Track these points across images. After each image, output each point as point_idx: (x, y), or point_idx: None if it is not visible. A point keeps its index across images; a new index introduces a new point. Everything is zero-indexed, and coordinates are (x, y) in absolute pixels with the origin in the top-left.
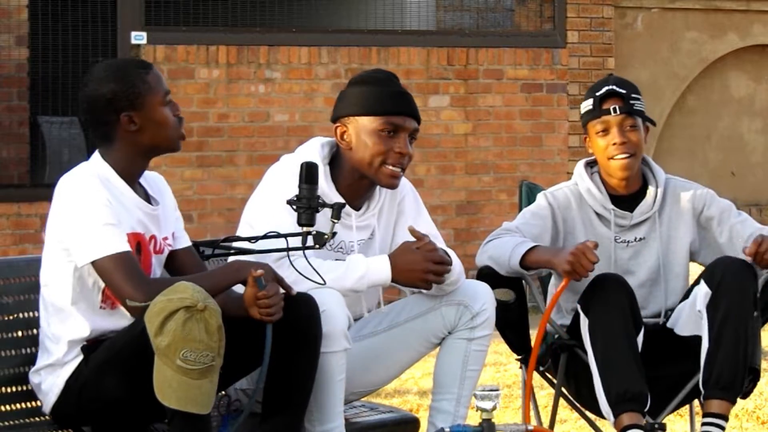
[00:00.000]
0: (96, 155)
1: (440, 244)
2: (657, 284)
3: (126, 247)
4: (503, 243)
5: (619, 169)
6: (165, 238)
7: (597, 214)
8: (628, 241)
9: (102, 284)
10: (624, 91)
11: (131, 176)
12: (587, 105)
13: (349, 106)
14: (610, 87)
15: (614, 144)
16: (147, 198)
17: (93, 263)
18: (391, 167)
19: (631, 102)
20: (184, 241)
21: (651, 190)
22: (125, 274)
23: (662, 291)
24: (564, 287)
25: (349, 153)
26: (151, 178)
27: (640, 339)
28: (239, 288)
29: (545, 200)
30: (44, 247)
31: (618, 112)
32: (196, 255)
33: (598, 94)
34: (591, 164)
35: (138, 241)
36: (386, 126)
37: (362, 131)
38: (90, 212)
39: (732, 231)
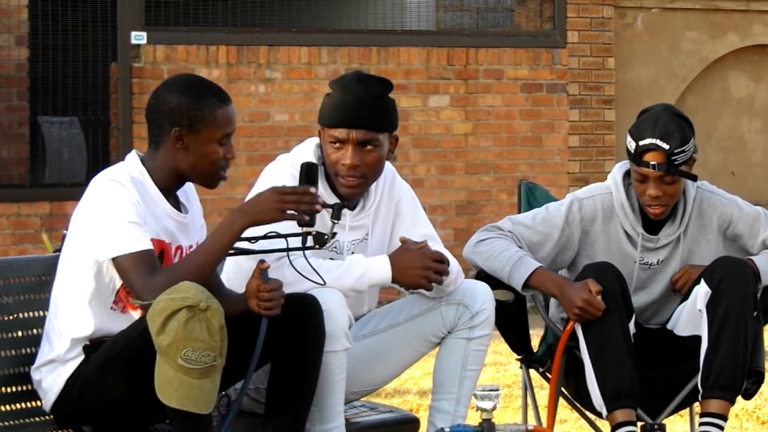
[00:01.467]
0: (133, 155)
1: (438, 245)
2: (669, 300)
3: (148, 245)
4: (499, 252)
5: (650, 214)
6: (191, 246)
7: (626, 232)
8: (651, 263)
9: (117, 285)
10: (668, 147)
11: (166, 189)
12: (630, 144)
13: (318, 115)
14: (654, 141)
15: (649, 195)
16: (178, 206)
17: (113, 260)
18: (341, 177)
19: (674, 158)
20: None
21: (679, 211)
22: (141, 273)
23: (673, 306)
24: (572, 328)
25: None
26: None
27: (631, 326)
28: (239, 288)
29: (567, 209)
30: (65, 239)
31: (656, 170)
32: None
33: (641, 143)
34: (630, 172)
35: (162, 249)
36: (331, 138)
37: (323, 141)
38: (116, 208)
39: (764, 245)
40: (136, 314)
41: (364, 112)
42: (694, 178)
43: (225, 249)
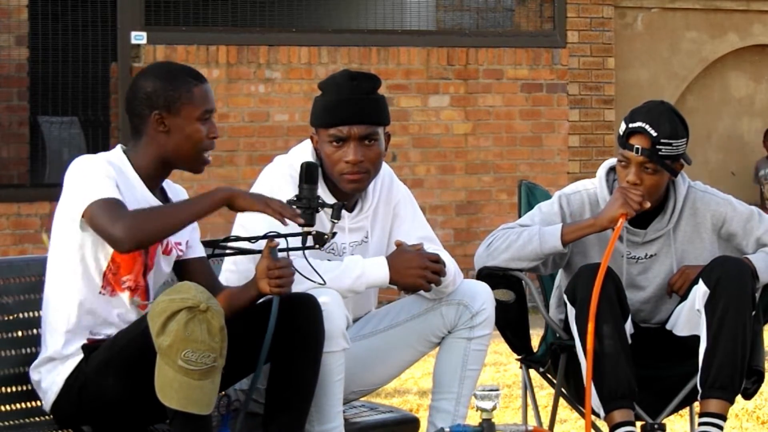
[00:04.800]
0: (117, 148)
1: (437, 247)
2: (665, 299)
3: (119, 196)
4: (516, 237)
5: None
6: (177, 243)
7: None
8: (638, 258)
9: (103, 266)
10: (655, 134)
11: (150, 178)
12: (621, 127)
13: (312, 118)
14: (642, 125)
15: (628, 181)
16: (162, 196)
17: (86, 213)
18: (346, 173)
19: (658, 147)
20: (199, 251)
21: (669, 207)
22: (112, 217)
23: (670, 306)
24: (619, 229)
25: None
26: (173, 186)
27: (628, 326)
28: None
29: (558, 205)
30: (52, 230)
31: (639, 153)
32: (208, 266)
33: (630, 125)
34: (615, 168)
35: None
36: (331, 138)
37: (321, 141)
38: (89, 175)
39: (758, 243)
40: (124, 295)
41: (362, 107)
42: (675, 174)
43: (199, 213)
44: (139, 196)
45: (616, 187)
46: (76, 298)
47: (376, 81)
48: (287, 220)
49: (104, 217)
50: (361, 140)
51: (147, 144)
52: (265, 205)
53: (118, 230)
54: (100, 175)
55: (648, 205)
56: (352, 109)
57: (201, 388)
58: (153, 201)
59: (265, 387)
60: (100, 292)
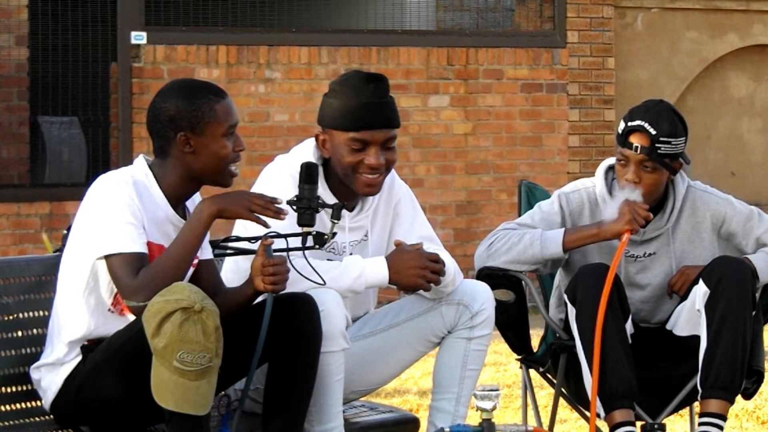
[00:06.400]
0: (140, 160)
1: (437, 246)
2: (665, 298)
3: (140, 248)
4: (518, 240)
5: None
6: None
7: None
8: (637, 256)
9: (115, 287)
10: (654, 132)
11: (176, 197)
12: (620, 126)
13: (325, 118)
14: (641, 123)
15: (626, 179)
16: (183, 213)
17: (105, 258)
18: (365, 176)
19: (658, 145)
20: (207, 253)
21: (668, 206)
22: (129, 274)
23: (670, 305)
24: (624, 245)
25: (331, 160)
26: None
27: (628, 326)
28: (237, 281)
29: (558, 204)
30: (66, 239)
31: (638, 151)
32: (215, 267)
33: (630, 123)
34: (614, 167)
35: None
36: (354, 142)
37: (336, 143)
38: (111, 208)
39: (758, 243)
40: (132, 317)
41: (384, 111)
42: (674, 172)
43: (199, 238)
44: (161, 215)
45: (623, 199)
46: (83, 312)
47: (387, 82)
48: (286, 220)
49: (123, 275)
50: (383, 144)
51: (173, 164)
52: (248, 210)
53: (134, 295)
54: (123, 220)
55: (651, 216)
56: (375, 113)
57: (197, 388)
58: (176, 220)
59: (263, 387)
60: (109, 309)
